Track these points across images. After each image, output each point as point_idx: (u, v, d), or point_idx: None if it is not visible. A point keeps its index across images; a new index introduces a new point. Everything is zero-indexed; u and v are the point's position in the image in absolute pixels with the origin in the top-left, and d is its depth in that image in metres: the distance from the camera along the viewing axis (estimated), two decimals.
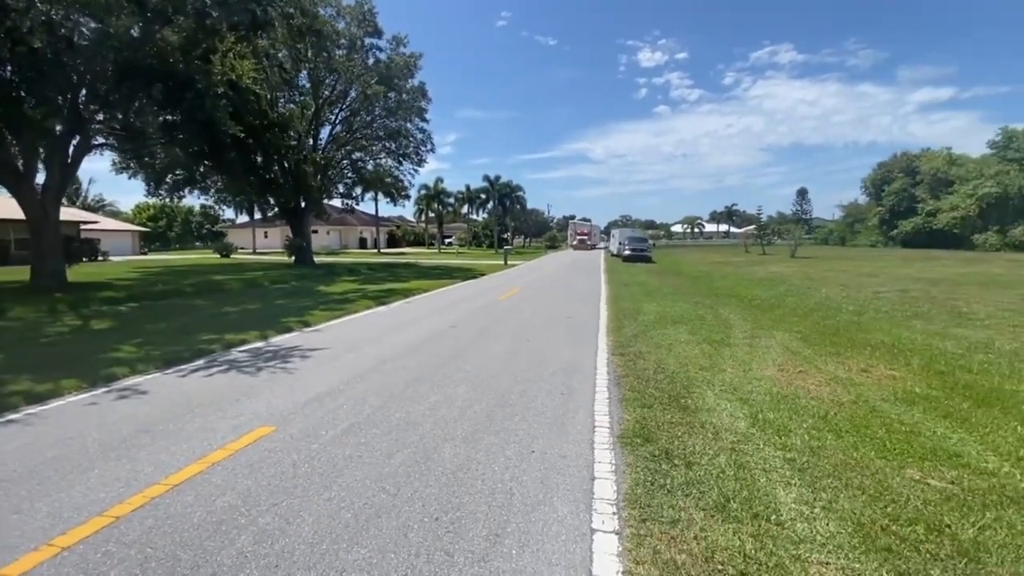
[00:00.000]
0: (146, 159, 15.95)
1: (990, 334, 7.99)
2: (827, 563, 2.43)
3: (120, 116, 10.75)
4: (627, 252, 33.87)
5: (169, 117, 13.55)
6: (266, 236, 66.41)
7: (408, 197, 32.03)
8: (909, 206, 46.82)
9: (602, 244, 69.61)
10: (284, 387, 5.31)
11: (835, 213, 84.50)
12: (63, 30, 8.78)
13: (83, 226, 31.53)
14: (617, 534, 2.61)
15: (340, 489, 3.06)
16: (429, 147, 27.44)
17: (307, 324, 9.64)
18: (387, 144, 28.46)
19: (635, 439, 3.83)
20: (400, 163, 27.39)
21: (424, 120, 26.50)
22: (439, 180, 56.41)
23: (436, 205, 58.20)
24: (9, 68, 8.37)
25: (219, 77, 10.81)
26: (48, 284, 13.79)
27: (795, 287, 15.68)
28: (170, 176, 20.61)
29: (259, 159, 13.77)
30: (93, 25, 9.08)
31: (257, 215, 53.04)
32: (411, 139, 26.98)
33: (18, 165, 13.54)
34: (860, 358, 6.70)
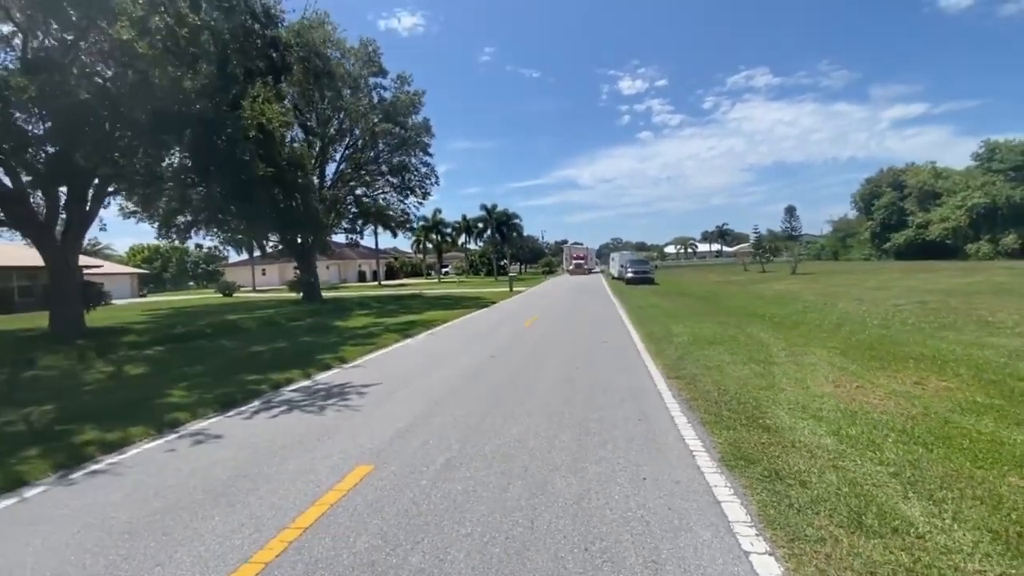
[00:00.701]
0: (163, 202, 16.10)
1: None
2: (984, 571, 2.48)
3: (150, 162, 10.97)
4: (630, 274, 34.23)
5: (186, 162, 13.88)
6: (264, 273, 66.41)
7: (412, 229, 32.30)
8: (899, 219, 47.96)
9: (598, 268, 70.13)
10: (358, 425, 5.31)
11: (823, 228, 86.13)
12: (106, 82, 9.06)
13: (86, 271, 31.37)
14: (771, 555, 2.65)
15: (473, 524, 3.08)
16: (433, 180, 27.94)
17: (343, 360, 9.64)
18: (390, 179, 28.95)
19: (738, 461, 3.88)
20: (405, 197, 27.83)
21: (428, 154, 27.11)
22: (437, 211, 57.10)
23: (435, 236, 58.60)
24: (50, 123, 8.58)
25: (249, 121, 11.13)
26: (68, 331, 13.70)
27: (810, 303, 15.90)
28: (181, 218, 20.75)
29: (281, 197, 14.01)
30: (129, 75, 9.38)
31: (256, 253, 53.17)
32: (415, 173, 27.48)
33: (39, 216, 13.65)
34: (908, 371, 6.81)
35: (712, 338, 10.00)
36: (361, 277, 67.53)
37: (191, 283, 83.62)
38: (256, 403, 6.63)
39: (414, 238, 69.09)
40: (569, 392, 6.29)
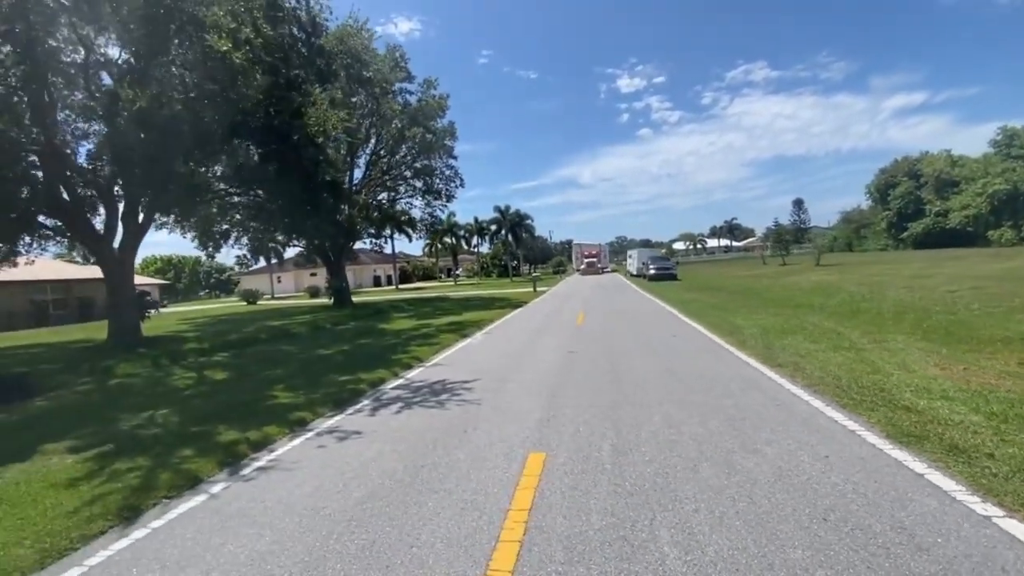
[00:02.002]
0: (205, 212, 16.36)
1: None
2: None
3: (220, 170, 11.24)
4: (653, 271, 34.27)
5: (227, 171, 14.15)
6: (279, 281, 66.86)
7: (438, 232, 32.49)
8: (916, 208, 47.78)
9: (610, 267, 68.98)
10: (491, 417, 5.44)
11: (830, 220, 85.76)
12: (189, 93, 9.31)
13: None
14: (1010, 517, 2.76)
15: (692, 501, 3.19)
16: (458, 183, 28.15)
17: (419, 359, 9.79)
18: (413, 183, 29.19)
19: (907, 438, 3.98)
20: (431, 200, 28.06)
21: (453, 157, 27.32)
22: (451, 214, 57.25)
23: (450, 238, 58.84)
24: (151, 134, 8.80)
25: (314, 128, 11.35)
26: (129, 341, 13.93)
27: (856, 293, 15.92)
28: (216, 227, 21.03)
29: (332, 203, 14.27)
30: (210, 86, 9.64)
31: (273, 260, 53.49)
32: (440, 176, 27.71)
33: (96, 228, 13.92)
34: (1005, 353, 6.85)
35: (781, 329, 10.07)
36: (376, 282, 67.89)
37: (203, 292, 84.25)
38: (366, 401, 6.78)
39: (427, 241, 69.50)
40: (679, 382, 6.40)
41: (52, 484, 4.34)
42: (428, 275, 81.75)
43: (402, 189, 30.34)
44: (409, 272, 79.14)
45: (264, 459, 4.76)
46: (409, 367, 9.12)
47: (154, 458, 4.84)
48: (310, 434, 5.46)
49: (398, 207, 31.10)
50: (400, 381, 7.93)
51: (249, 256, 29.89)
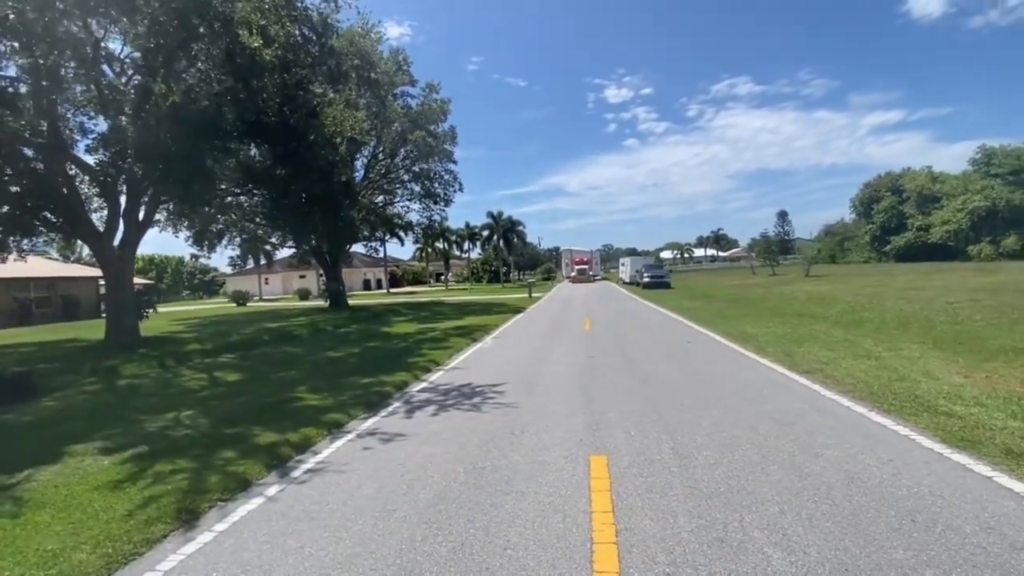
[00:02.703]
0: (204, 211, 16.04)
1: None
2: None
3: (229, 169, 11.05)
4: (647, 279, 34.61)
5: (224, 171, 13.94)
6: (267, 282, 65.84)
7: (430, 237, 32.34)
8: (899, 223, 49.16)
9: (600, 274, 68.66)
10: (534, 421, 5.41)
11: (812, 232, 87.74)
12: (217, 89, 9.14)
13: (101, 282, 31.00)
14: None
15: (776, 503, 3.21)
16: (456, 187, 28.12)
17: (436, 363, 9.70)
18: (411, 186, 29.10)
19: (962, 442, 4.06)
20: (430, 204, 27.98)
21: (453, 162, 27.31)
22: (444, 219, 57.04)
23: (442, 243, 58.61)
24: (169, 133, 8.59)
25: (332, 129, 11.23)
26: (127, 340, 13.58)
27: (855, 303, 16.26)
28: (215, 226, 20.68)
29: (347, 204, 14.12)
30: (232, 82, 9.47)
31: (262, 262, 52.67)
32: (439, 180, 27.66)
33: (96, 225, 13.59)
34: (1020, 364, 7.06)
35: (794, 337, 10.23)
36: (366, 285, 67.27)
37: (186, 293, 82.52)
38: (397, 403, 6.69)
39: (418, 246, 69.21)
40: (710, 387, 6.45)
41: (94, 487, 4.19)
42: (417, 280, 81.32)
43: (399, 192, 30.22)
44: (399, 276, 78.66)
45: (311, 461, 4.67)
46: (428, 370, 9.04)
47: (195, 460, 4.71)
48: (350, 436, 5.37)
49: (392, 210, 30.96)
50: (424, 384, 7.85)
51: (240, 257, 29.34)
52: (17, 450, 5.30)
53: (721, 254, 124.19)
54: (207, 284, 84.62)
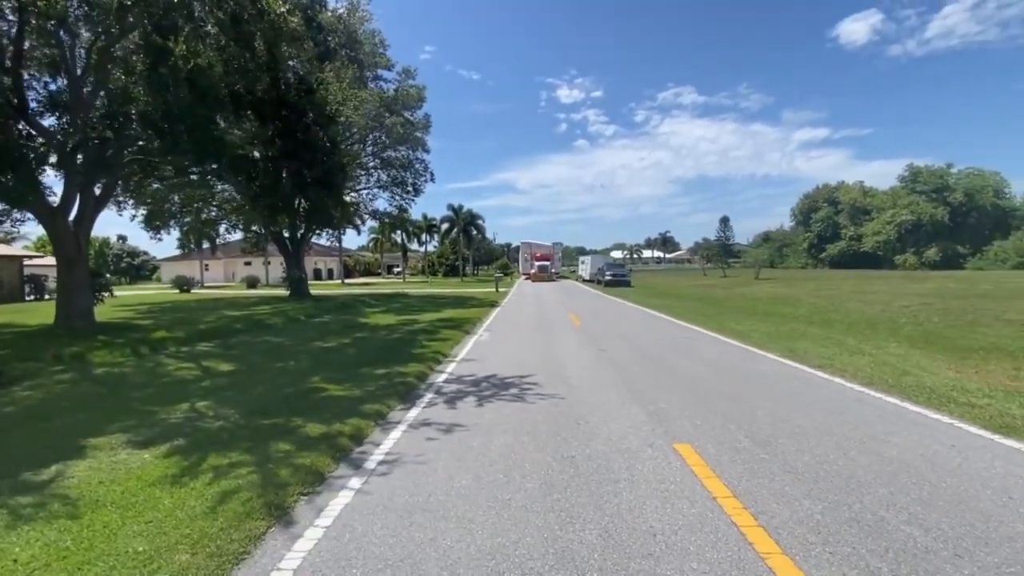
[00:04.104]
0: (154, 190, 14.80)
1: None
2: None
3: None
4: (608, 277, 35.54)
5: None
6: (207, 269, 61.83)
7: (399, 226, 31.51)
8: (834, 232, 53.31)
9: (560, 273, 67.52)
10: (587, 410, 5.42)
11: (749, 238, 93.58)
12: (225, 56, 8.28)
13: (27, 262, 27.98)
14: None
15: (875, 485, 3.42)
16: (427, 177, 27.55)
17: (442, 354, 9.50)
18: (379, 173, 28.26)
19: (1003, 428, 4.49)
20: (404, 193, 27.27)
21: (426, 151, 26.71)
22: (403, 209, 55.76)
23: (400, 235, 57.29)
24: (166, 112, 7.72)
25: (333, 107, 10.57)
26: (80, 325, 12.36)
27: (817, 305, 17.47)
28: (170, 206, 19.21)
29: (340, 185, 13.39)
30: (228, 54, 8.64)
31: (204, 246, 49.30)
32: (411, 169, 26.99)
33: (50, 201, 12.27)
34: (996, 361, 7.84)
35: (781, 334, 10.86)
36: (317, 275, 64.61)
37: (111, 278, 75.88)
38: (430, 395, 6.49)
39: (373, 236, 67.27)
40: (737, 380, 6.73)
41: (149, 482, 3.79)
42: (369, 271, 79.10)
43: (363, 179, 29.23)
44: (351, 267, 76.20)
45: (377, 453, 4.44)
46: (437, 362, 8.83)
47: (249, 453, 4.36)
48: (403, 427, 5.15)
49: (356, 197, 29.88)
50: (446, 375, 7.67)
51: (190, 240, 27.28)
52: (25, 443, 4.71)
53: (668, 256, 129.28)
54: (136, 268, 78.30)
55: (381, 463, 4.21)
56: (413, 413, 5.65)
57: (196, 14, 7.94)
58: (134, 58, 8.04)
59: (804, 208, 58.99)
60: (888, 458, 3.91)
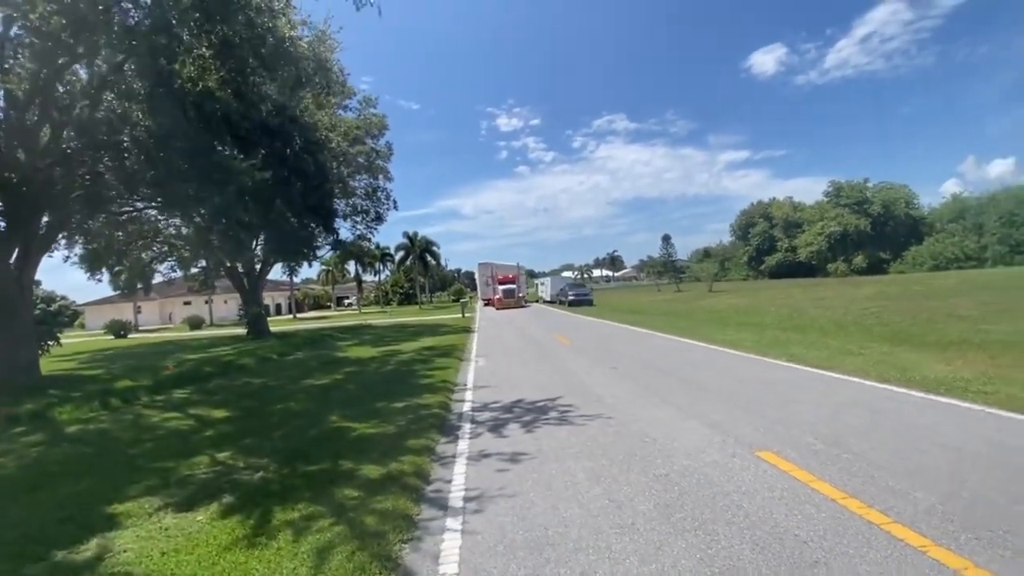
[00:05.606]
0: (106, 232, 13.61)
1: (1018, 326, 10.55)
2: None
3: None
4: (572, 297, 36.14)
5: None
6: (140, 311, 57.22)
7: (353, 256, 30.63)
8: (770, 245, 57.21)
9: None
10: (644, 426, 5.39)
11: (688, 254, 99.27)
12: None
13: None
14: None
15: (944, 482, 3.60)
16: (390, 205, 27.13)
17: (450, 383, 9.22)
18: (343, 203, 27.57)
19: None
20: (369, 221, 26.66)
21: (388, 179, 26.34)
22: (359, 238, 54.38)
23: (355, 265, 55.72)
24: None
25: (323, 133, 10.13)
26: (25, 380, 11.02)
27: (781, 313, 18.49)
28: (118, 245, 17.81)
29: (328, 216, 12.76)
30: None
31: (138, 287, 45.61)
32: (372, 198, 26.51)
33: None
34: (971, 354, 8.52)
35: (768, 342, 11.36)
36: (265, 311, 61.20)
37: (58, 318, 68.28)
38: (468, 425, 6.24)
39: (324, 268, 65.01)
40: (766, 388, 6.94)
41: (223, 547, 3.36)
42: (319, 304, 76.09)
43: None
44: (300, 301, 73.02)
45: (454, 490, 4.19)
46: (450, 391, 8.54)
47: (315, 503, 3.98)
48: (463, 460, 4.90)
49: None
50: (470, 404, 7.41)
51: (125, 282, 25.07)
52: (31, 519, 4.06)
53: (615, 275, 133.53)
54: (51, 315, 71.00)
55: (468, 499, 3.97)
56: (464, 445, 5.39)
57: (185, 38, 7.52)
58: (136, 84, 7.43)
59: (742, 224, 63.27)
60: (956, 448, 4.13)
